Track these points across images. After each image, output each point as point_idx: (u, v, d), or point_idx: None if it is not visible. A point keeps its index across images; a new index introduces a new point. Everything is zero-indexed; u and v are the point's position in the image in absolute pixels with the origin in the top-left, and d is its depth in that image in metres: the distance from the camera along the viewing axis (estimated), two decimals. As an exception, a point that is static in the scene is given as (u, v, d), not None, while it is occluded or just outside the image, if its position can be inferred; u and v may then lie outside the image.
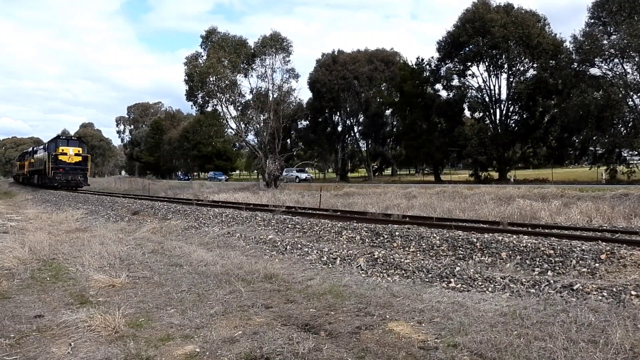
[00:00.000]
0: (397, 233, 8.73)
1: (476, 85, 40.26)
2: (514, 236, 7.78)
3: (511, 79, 38.25)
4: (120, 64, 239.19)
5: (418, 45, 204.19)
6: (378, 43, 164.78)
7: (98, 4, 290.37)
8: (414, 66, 44.59)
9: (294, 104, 41.88)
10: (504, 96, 39.10)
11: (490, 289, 6.06)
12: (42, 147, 39.53)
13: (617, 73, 29.88)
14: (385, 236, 8.75)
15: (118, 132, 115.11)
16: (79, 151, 35.22)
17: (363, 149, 57.75)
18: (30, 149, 48.11)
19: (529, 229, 9.26)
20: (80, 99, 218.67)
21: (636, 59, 28.44)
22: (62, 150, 34.19)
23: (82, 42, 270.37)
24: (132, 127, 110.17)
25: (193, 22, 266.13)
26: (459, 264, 7.04)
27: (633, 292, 5.32)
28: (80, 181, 34.98)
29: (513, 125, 39.82)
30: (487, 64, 38.86)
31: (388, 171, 69.94)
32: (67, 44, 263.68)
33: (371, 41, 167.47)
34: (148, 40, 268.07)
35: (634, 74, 29.37)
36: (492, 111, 40.35)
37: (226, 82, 35.56)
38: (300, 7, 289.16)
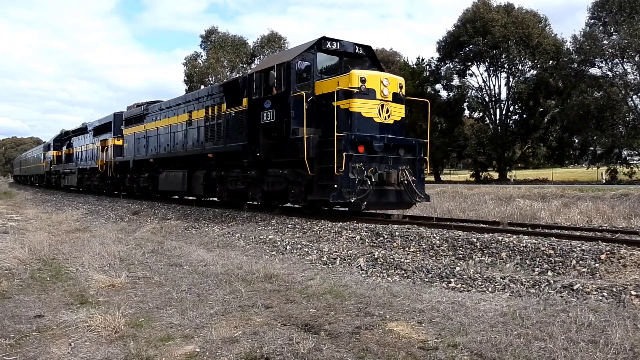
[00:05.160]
0: (397, 233, 8.72)
1: (476, 85, 40.35)
2: (514, 236, 7.77)
3: (511, 79, 38.29)
4: (116, 64, 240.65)
5: (414, 44, 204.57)
6: (375, 42, 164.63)
7: (92, 3, 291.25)
8: (414, 66, 44.61)
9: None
10: (503, 96, 39.21)
11: (490, 289, 6.05)
12: (225, 82, 15.69)
13: (617, 73, 29.94)
14: (385, 236, 8.75)
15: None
16: (399, 93, 10.90)
17: (363, 149, 57.62)
18: (113, 115, 23.14)
19: (529, 229, 9.25)
20: (77, 99, 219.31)
21: (636, 59, 28.46)
22: (361, 79, 9.88)
23: (77, 41, 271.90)
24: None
25: (188, 21, 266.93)
26: (459, 264, 7.04)
27: (633, 292, 5.32)
28: (412, 189, 10.76)
29: (513, 125, 39.86)
30: (487, 64, 38.91)
31: (388, 171, 69.86)
32: (62, 44, 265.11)
33: (367, 40, 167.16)
34: (143, 39, 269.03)
35: (634, 74, 29.44)
36: (492, 111, 40.42)
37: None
38: (294, 6, 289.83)
